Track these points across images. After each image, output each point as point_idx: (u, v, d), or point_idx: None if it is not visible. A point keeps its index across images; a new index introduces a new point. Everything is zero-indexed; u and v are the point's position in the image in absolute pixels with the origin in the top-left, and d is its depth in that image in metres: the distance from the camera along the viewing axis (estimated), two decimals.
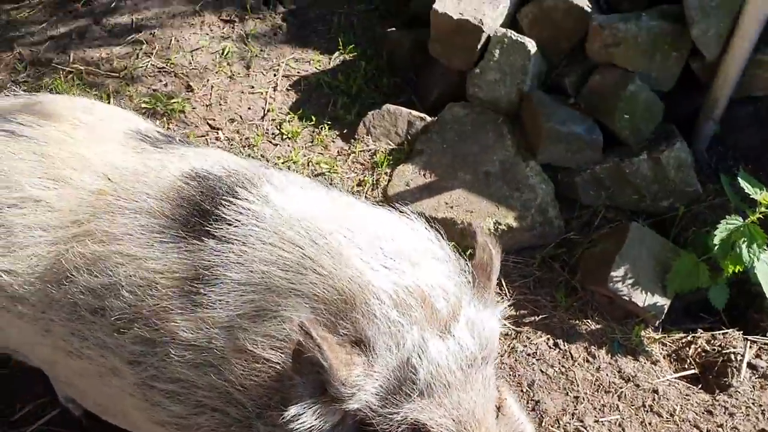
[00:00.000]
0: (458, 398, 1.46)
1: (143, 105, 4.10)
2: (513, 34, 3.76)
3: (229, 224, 1.63)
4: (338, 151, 3.98)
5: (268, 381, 1.51)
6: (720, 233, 2.91)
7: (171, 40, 4.51)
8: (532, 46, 3.74)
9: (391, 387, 1.44)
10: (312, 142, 4.02)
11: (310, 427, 1.44)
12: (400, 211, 1.75)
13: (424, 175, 3.68)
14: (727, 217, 2.95)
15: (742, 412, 2.91)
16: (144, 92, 4.22)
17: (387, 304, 1.45)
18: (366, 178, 3.80)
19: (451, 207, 3.53)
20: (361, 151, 3.95)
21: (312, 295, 1.50)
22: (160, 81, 4.29)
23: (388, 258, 1.53)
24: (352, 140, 4.01)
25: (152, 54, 4.43)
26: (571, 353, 3.14)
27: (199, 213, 1.68)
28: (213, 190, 1.72)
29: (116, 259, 1.66)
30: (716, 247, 2.93)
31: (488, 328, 1.58)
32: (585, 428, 2.84)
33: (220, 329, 1.54)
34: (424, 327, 1.47)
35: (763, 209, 2.89)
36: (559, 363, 3.09)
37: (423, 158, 3.76)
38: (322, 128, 4.08)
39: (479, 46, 3.84)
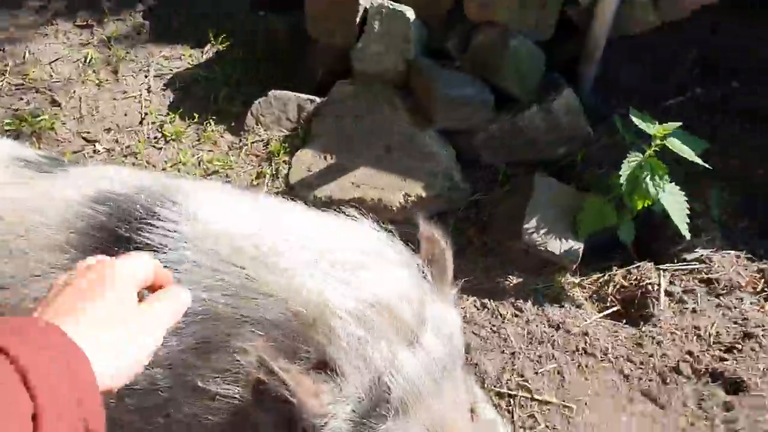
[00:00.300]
0: (433, 411, 1.37)
1: (6, 127, 3.73)
2: (390, 4, 3.69)
3: (156, 251, 1.44)
4: (229, 146, 3.79)
5: (228, 417, 1.36)
6: (625, 171, 2.98)
7: (25, 53, 4.13)
8: (410, 13, 3.69)
9: (364, 409, 1.32)
10: (199, 140, 3.81)
11: None
12: (343, 213, 1.61)
13: (324, 158, 3.57)
14: (628, 154, 3.03)
15: (668, 339, 3.02)
16: (3, 113, 3.84)
17: (350, 321, 1.32)
18: (264, 170, 3.63)
19: (358, 186, 3.44)
20: (253, 142, 3.77)
21: (264, 320, 1.34)
22: (21, 99, 3.93)
23: (342, 270, 1.39)
24: (242, 132, 3.82)
25: (6, 71, 4.04)
26: (499, 311, 3.14)
27: (114, 241, 1.49)
28: (127, 213, 1.52)
29: (26, 305, 1.45)
30: (623, 186, 3.00)
31: (452, 327, 1.48)
32: (527, 382, 2.86)
33: (163, 368, 1.38)
34: (392, 340, 1.35)
35: (658, 142, 2.99)
36: (490, 323, 3.09)
37: (321, 141, 3.64)
38: (207, 124, 3.87)
39: (358, 20, 3.74)
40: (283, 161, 3.65)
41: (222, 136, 3.84)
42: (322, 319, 1.32)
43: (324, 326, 1.32)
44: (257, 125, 3.83)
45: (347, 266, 1.41)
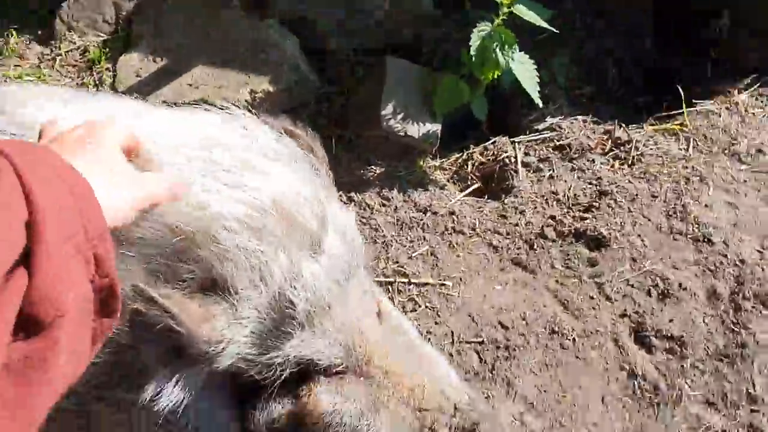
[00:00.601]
0: (340, 318, 1.23)
1: None
2: None
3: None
4: (39, 58, 3.31)
5: (108, 358, 1.13)
6: (474, 42, 2.90)
7: None
8: None
9: (266, 329, 1.16)
10: (1, 54, 3.29)
11: (175, 401, 1.13)
12: (216, 107, 1.34)
13: (154, 60, 3.20)
14: (477, 25, 2.95)
15: (530, 207, 3.07)
16: None
17: (241, 232, 1.11)
18: (86, 81, 3.21)
19: (197, 87, 3.13)
20: (68, 51, 3.32)
21: (135, 239, 1.10)
22: None
23: (228, 173, 1.16)
24: (53, 41, 3.34)
25: None
26: (366, 203, 3.04)
27: None
28: None
29: None
30: (473, 58, 2.93)
31: (351, 225, 1.32)
32: (402, 267, 2.81)
33: None
34: (292, 249, 1.16)
35: (505, 10, 2.92)
36: (359, 215, 2.98)
37: (147, 42, 3.26)
38: (8, 35, 3.34)
39: None
40: (106, 69, 3.25)
41: (29, 47, 3.34)
42: (206, 232, 1.10)
43: (209, 241, 1.10)
44: (69, 31, 3.35)
45: (230, 167, 1.17)
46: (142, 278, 1.08)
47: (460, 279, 2.82)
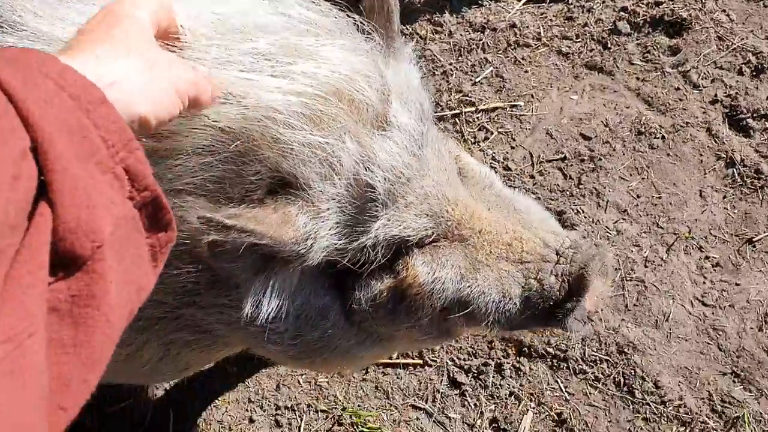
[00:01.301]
0: (422, 188, 1.15)
1: None
2: None
3: None
4: None
5: (185, 268, 1.10)
6: None
7: None
8: None
9: (349, 217, 1.11)
10: None
11: (275, 307, 1.13)
12: None
13: None
14: None
15: (598, 2, 2.80)
16: None
17: (300, 126, 1.02)
18: None
19: None
20: None
21: (191, 149, 1.01)
22: None
23: (272, 62, 1.04)
24: None
25: None
26: (417, 32, 2.84)
27: None
28: None
29: None
30: None
31: (415, 87, 1.20)
32: (468, 95, 2.65)
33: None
34: (358, 132, 1.08)
35: None
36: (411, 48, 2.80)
37: None
38: None
39: None
40: None
41: None
42: (263, 132, 1.01)
43: (268, 140, 1.01)
44: None
45: (275, 53, 1.05)
46: (205, 191, 1.01)
47: (532, 96, 2.65)
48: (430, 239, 1.19)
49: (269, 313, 1.12)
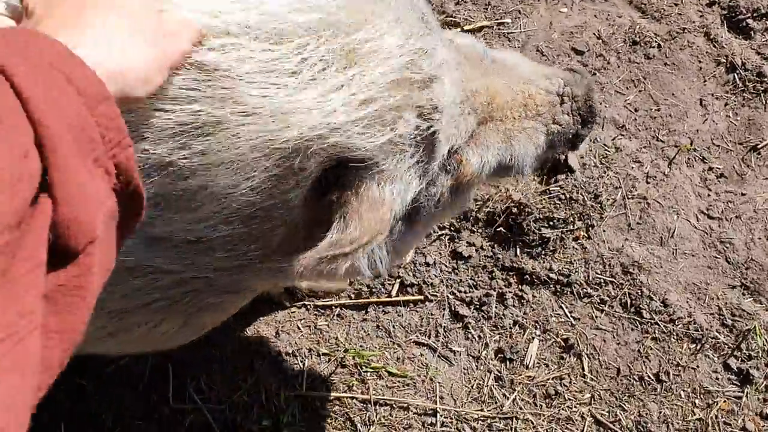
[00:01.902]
0: (453, 86, 1.16)
1: None
2: None
3: None
4: None
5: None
6: None
7: None
8: None
9: (420, 159, 1.10)
10: None
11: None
12: None
13: None
14: None
15: None
16: None
17: (364, 137, 0.99)
18: None
19: None
20: None
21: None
22: None
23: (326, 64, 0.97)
24: None
25: None
26: None
27: None
28: None
29: None
30: None
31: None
32: (452, 16, 2.51)
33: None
34: (413, 99, 1.05)
35: None
36: None
37: None
38: None
39: None
40: None
41: None
42: (326, 144, 0.96)
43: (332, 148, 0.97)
44: None
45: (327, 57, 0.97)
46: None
47: (519, 12, 2.51)
48: (473, 131, 1.25)
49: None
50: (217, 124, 0.88)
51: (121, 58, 0.74)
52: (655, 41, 2.41)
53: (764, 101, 2.32)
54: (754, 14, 2.41)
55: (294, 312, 2.13)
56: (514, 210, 2.16)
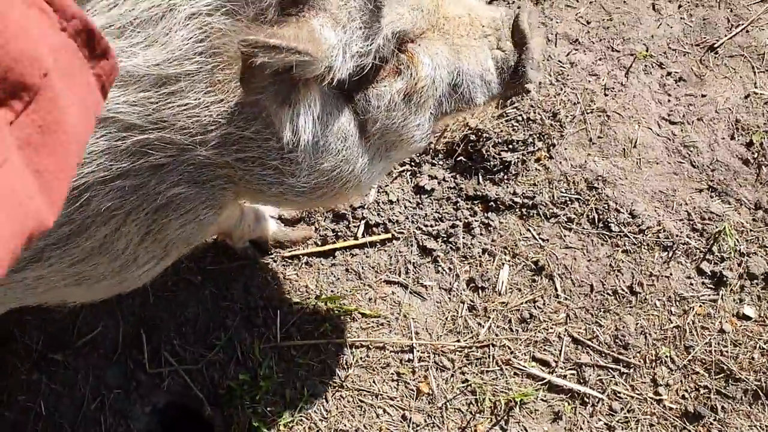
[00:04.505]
0: None
1: None
2: None
3: None
4: None
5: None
6: None
7: None
8: None
9: (361, 19, 1.10)
10: None
11: (309, 132, 1.13)
12: None
13: None
14: None
15: None
16: None
17: None
18: None
19: None
20: None
21: None
22: None
23: None
24: None
25: None
26: None
27: None
28: None
29: None
30: None
31: None
32: None
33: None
34: None
35: None
36: None
37: None
38: None
39: None
40: None
41: None
42: None
43: None
44: None
45: None
46: (224, 13, 0.98)
47: None
48: (421, 32, 1.23)
49: (308, 138, 1.12)
50: None
51: None
52: None
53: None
54: None
55: (261, 265, 2.11)
56: (472, 137, 2.11)
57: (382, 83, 1.19)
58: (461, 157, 2.12)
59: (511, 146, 2.10)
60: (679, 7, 2.27)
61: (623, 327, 2.01)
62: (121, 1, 0.95)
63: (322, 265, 2.11)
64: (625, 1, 2.28)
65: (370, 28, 1.11)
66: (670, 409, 1.93)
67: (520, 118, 2.12)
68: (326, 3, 1.04)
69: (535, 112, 2.13)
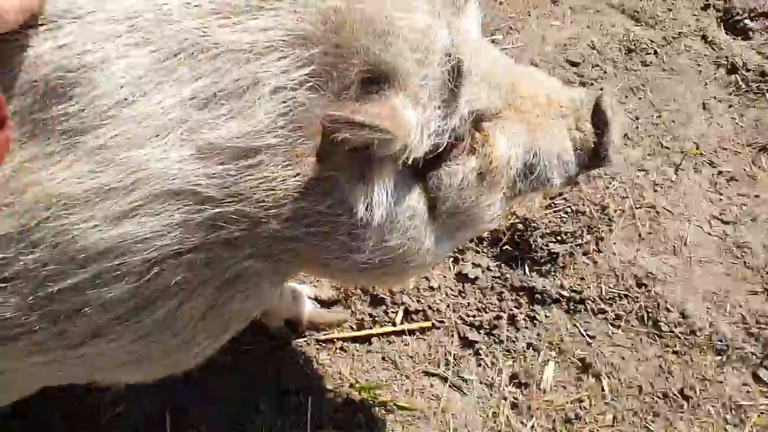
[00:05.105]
0: (482, 62, 1.17)
1: None
2: None
3: None
4: None
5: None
6: None
7: None
8: None
9: (444, 95, 1.09)
10: None
11: (384, 209, 1.09)
12: None
13: None
14: None
15: None
16: None
17: (408, 7, 1.01)
18: None
19: None
20: None
21: (288, 35, 0.95)
22: None
23: None
24: None
25: None
26: None
27: None
28: None
29: None
30: None
31: None
32: None
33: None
34: (445, 12, 1.10)
35: None
36: None
37: None
38: None
39: None
40: None
41: None
42: (370, 14, 0.97)
43: (373, 24, 0.97)
44: None
45: None
46: (308, 88, 0.97)
47: (510, 27, 2.46)
48: (498, 111, 1.21)
49: (381, 214, 1.08)
50: None
51: None
52: (651, 48, 2.36)
53: None
54: (751, 14, 2.35)
55: (295, 347, 2.03)
56: (520, 226, 2.07)
57: (456, 161, 1.16)
58: (507, 246, 2.07)
59: (559, 237, 2.05)
60: (730, 106, 2.26)
61: None
62: (207, 73, 0.93)
63: (358, 351, 2.03)
64: (674, 99, 2.28)
65: (449, 107, 1.09)
66: None
67: (568, 210, 2.08)
68: (407, 82, 1.03)
69: (584, 204, 2.09)
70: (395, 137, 0.99)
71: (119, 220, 0.93)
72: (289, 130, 0.96)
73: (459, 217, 1.23)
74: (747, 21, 2.35)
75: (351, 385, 1.96)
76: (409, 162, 1.08)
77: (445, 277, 2.07)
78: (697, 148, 2.20)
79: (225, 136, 0.93)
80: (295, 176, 1.00)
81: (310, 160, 0.99)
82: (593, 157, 1.30)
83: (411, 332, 2.03)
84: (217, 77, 0.93)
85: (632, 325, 2.00)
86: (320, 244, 1.11)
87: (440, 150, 1.13)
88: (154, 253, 0.96)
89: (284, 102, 0.95)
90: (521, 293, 2.04)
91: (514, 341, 1.99)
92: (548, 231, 2.05)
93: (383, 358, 2.01)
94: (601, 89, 1.35)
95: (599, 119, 1.28)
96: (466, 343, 2.00)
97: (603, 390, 1.94)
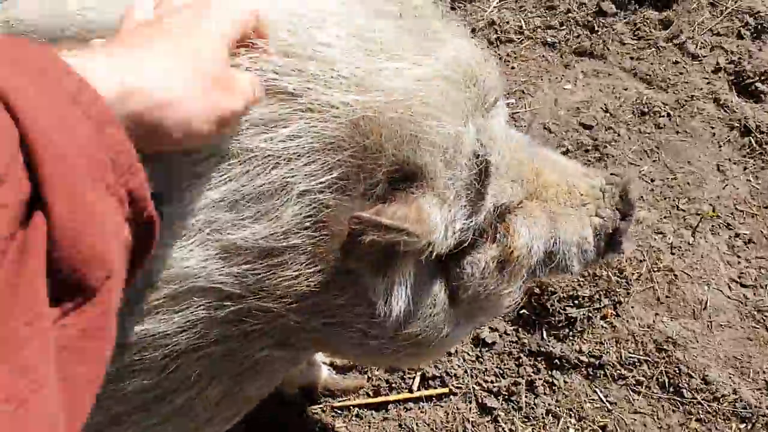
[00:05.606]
0: (506, 155, 1.15)
1: None
2: None
3: None
4: None
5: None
6: None
7: None
8: None
9: (471, 195, 1.09)
10: None
11: (404, 302, 1.09)
12: None
13: None
14: None
15: None
16: None
17: (436, 114, 0.98)
18: None
19: None
20: None
21: (321, 142, 0.94)
22: None
23: (399, 47, 0.99)
24: None
25: None
26: None
27: None
28: None
29: None
30: None
31: (490, 65, 1.17)
32: None
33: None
34: (475, 113, 1.07)
35: None
36: None
37: None
38: None
39: None
40: None
41: None
42: (390, 119, 0.95)
43: (402, 129, 0.95)
44: None
45: (402, 37, 1.01)
46: (333, 190, 0.96)
47: (523, 92, 2.50)
48: (519, 202, 1.21)
49: (401, 307, 1.07)
50: None
51: (157, 79, 0.68)
52: (664, 110, 2.38)
53: None
54: (762, 77, 2.38)
55: (310, 414, 2.01)
56: (536, 290, 2.06)
57: (478, 250, 1.17)
58: (524, 310, 2.05)
59: (576, 302, 2.04)
60: (745, 169, 2.26)
61: None
62: (237, 176, 0.93)
63: (374, 418, 2.00)
64: (689, 161, 2.28)
65: (475, 206, 1.10)
66: None
67: (586, 274, 2.06)
68: (435, 181, 1.02)
69: (601, 268, 2.07)
70: (420, 238, 0.99)
71: (143, 316, 0.93)
72: (313, 230, 0.96)
73: (479, 303, 1.23)
74: (759, 84, 2.37)
75: None
76: (432, 257, 1.07)
77: (462, 341, 2.05)
78: (714, 211, 2.20)
79: (250, 237, 0.94)
80: (317, 273, 1.00)
81: (332, 257, 0.99)
82: (609, 242, 1.32)
83: (428, 399, 2.00)
84: (246, 180, 0.93)
85: (653, 391, 1.96)
86: (338, 332, 1.11)
87: (464, 245, 1.13)
88: (175, 347, 0.96)
89: (311, 204, 0.95)
90: (539, 358, 2.01)
91: (533, 407, 1.96)
92: (565, 295, 2.04)
93: (400, 426, 1.97)
94: (628, 177, 1.37)
95: (625, 208, 1.31)
96: (484, 409, 1.97)
97: None
